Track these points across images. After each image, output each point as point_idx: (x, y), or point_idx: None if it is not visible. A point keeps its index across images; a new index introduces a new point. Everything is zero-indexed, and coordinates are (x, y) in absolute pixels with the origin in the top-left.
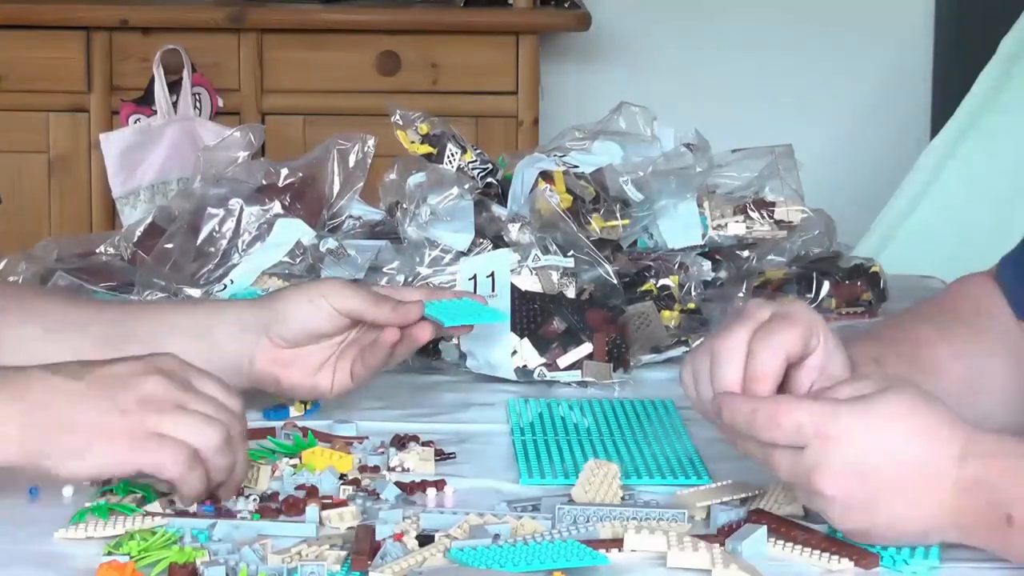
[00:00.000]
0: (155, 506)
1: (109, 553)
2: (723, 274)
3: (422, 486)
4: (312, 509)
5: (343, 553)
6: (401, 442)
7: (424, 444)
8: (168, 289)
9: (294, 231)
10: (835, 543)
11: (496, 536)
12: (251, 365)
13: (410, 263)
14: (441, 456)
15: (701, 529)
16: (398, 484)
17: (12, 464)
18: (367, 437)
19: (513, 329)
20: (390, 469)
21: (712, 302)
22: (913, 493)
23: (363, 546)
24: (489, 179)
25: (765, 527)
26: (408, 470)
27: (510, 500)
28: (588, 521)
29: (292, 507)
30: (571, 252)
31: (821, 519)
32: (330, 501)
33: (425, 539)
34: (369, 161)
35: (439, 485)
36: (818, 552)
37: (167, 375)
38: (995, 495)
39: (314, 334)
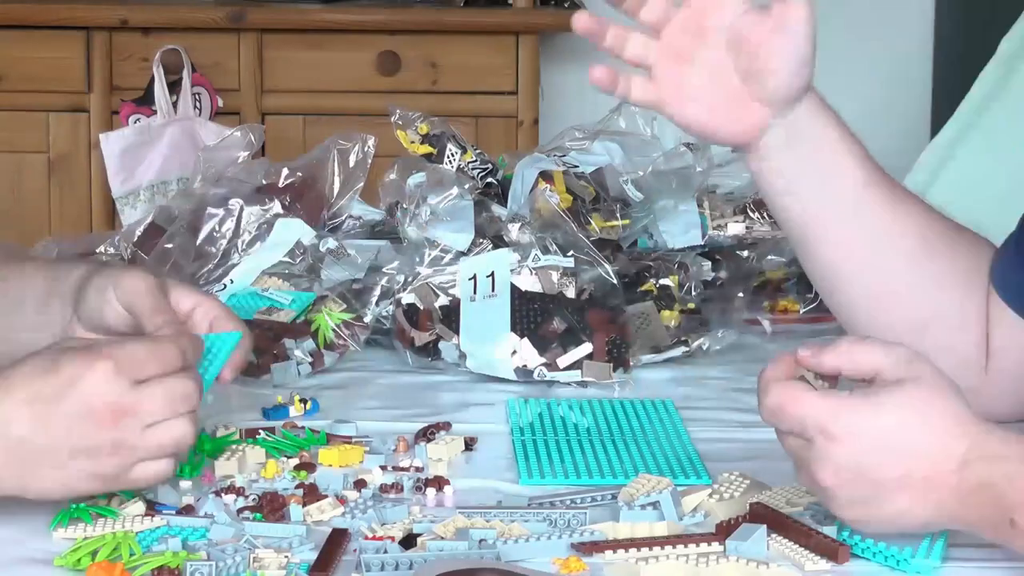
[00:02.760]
0: (138, 507)
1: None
2: (723, 274)
3: (426, 485)
4: (295, 508)
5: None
6: (429, 433)
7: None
8: None
9: (294, 231)
10: (813, 539)
11: (481, 541)
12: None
13: (410, 263)
14: (468, 447)
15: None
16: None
17: None
18: (368, 436)
19: (513, 329)
20: (405, 468)
21: (712, 302)
22: (914, 492)
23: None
24: (489, 179)
25: (764, 527)
26: (419, 469)
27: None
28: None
29: (271, 505)
30: (571, 252)
31: (816, 517)
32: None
33: (408, 540)
34: (369, 161)
35: (440, 484)
36: (795, 547)
37: (115, 366)
38: (999, 499)
39: (100, 326)
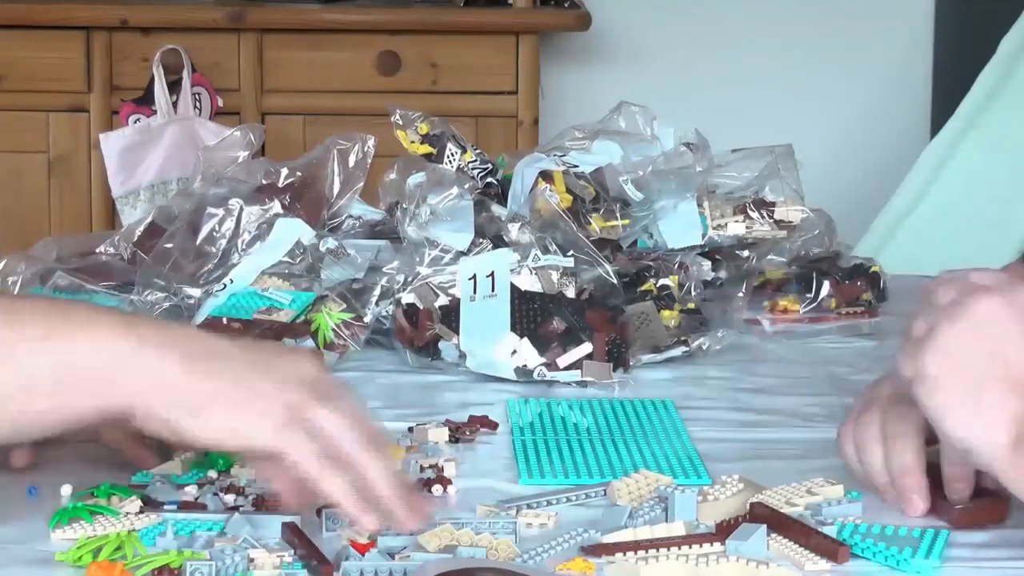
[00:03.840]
0: (134, 504)
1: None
2: (723, 274)
3: (426, 484)
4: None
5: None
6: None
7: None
8: (168, 289)
9: (294, 231)
10: (814, 539)
11: (470, 559)
12: None
13: (410, 263)
14: (454, 437)
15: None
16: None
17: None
18: None
19: (513, 329)
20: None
21: (712, 302)
22: (1016, 383)
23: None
24: (489, 179)
25: (764, 527)
26: (427, 469)
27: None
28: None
29: (266, 503)
30: (571, 252)
31: (816, 517)
32: None
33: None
34: (369, 161)
35: (443, 483)
36: (795, 547)
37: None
38: None
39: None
